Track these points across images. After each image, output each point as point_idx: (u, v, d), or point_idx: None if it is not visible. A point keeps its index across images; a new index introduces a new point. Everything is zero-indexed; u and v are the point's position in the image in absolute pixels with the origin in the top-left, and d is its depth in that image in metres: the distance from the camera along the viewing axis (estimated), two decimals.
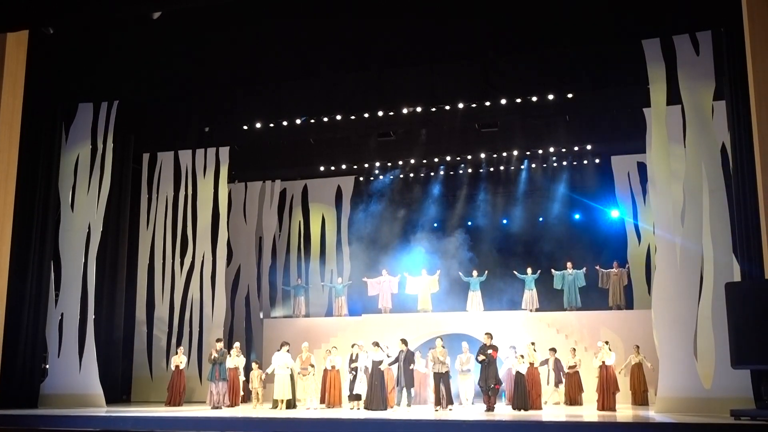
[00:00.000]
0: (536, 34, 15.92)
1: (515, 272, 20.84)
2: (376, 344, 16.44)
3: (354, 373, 16.58)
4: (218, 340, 17.78)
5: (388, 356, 16.49)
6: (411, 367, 16.71)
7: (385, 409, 15.88)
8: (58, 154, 18.09)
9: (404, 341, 16.59)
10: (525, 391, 15.84)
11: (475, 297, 20.69)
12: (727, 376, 13.72)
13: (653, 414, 14.25)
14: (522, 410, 15.51)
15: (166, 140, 21.59)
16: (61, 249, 17.99)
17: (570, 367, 17.09)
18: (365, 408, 15.95)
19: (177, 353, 18.48)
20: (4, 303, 15.97)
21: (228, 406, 17.00)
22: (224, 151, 21.32)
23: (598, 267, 20.35)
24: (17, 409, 15.72)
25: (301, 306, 22.79)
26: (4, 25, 16.00)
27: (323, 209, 24.65)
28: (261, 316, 23.37)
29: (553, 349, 17.56)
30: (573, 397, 17.03)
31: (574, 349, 17.42)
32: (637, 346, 17.38)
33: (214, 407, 16.72)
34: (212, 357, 17.20)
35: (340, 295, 22.50)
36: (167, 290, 21.00)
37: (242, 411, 16.49)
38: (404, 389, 16.68)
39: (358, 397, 16.27)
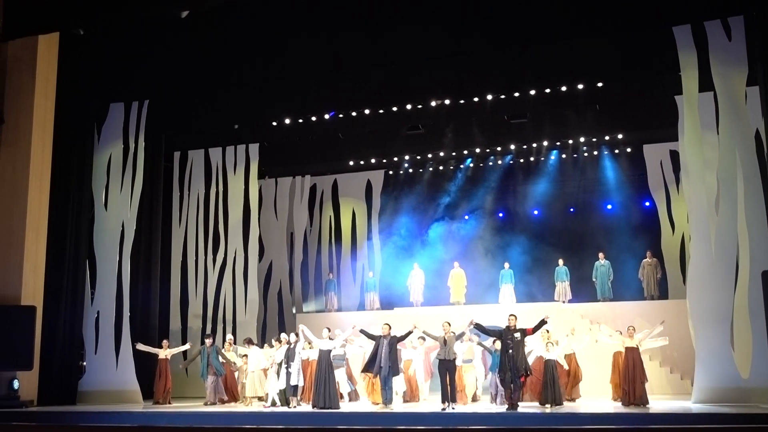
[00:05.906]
0: (564, 23, 15.70)
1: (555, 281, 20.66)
2: (329, 330, 15.53)
3: (287, 367, 15.15)
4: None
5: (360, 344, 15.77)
6: (399, 348, 15.14)
7: (338, 407, 14.42)
8: (91, 154, 18.28)
9: (388, 325, 14.80)
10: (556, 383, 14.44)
11: (507, 289, 20.64)
12: (765, 365, 13.56)
13: (690, 404, 14.10)
14: (552, 405, 14.09)
15: (196, 138, 21.82)
16: (95, 248, 18.20)
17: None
18: (307, 402, 14.69)
19: (162, 346, 17.37)
20: (41, 302, 16.26)
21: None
22: (254, 148, 21.42)
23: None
24: (56, 405, 16.00)
25: (333, 300, 22.89)
26: (36, 27, 16.24)
27: (353, 203, 24.67)
28: (294, 311, 23.48)
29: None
30: None
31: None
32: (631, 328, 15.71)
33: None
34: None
35: (371, 289, 22.52)
36: (200, 287, 21.17)
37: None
38: (386, 378, 14.40)
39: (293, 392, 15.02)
